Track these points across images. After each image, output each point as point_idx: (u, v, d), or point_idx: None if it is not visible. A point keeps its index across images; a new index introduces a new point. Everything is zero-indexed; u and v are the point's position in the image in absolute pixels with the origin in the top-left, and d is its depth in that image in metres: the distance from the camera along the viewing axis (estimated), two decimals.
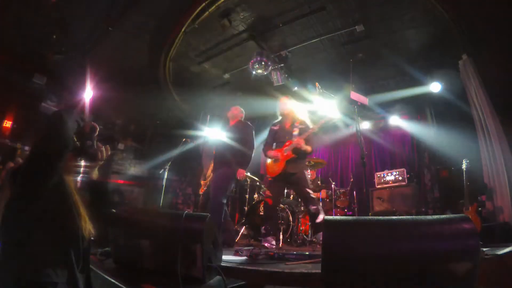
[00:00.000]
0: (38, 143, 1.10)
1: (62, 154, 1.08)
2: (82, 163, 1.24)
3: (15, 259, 1.01)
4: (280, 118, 3.67)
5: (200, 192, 4.63)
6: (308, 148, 3.32)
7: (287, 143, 3.39)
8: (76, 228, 1.18)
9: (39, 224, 1.07)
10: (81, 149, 1.16)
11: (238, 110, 4.00)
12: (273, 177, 3.39)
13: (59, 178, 1.13)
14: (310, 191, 3.31)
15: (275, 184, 3.43)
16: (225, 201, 3.47)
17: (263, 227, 3.47)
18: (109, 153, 1.30)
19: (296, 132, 3.43)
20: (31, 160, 1.10)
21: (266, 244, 3.25)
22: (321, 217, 3.16)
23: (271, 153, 3.45)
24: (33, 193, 1.06)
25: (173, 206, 7.69)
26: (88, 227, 1.21)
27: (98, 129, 1.22)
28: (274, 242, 3.35)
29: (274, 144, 3.52)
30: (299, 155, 3.33)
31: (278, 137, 3.52)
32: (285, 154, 3.34)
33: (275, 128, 3.61)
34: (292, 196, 4.90)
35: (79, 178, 1.26)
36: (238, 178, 3.53)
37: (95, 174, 1.30)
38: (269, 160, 3.50)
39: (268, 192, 3.45)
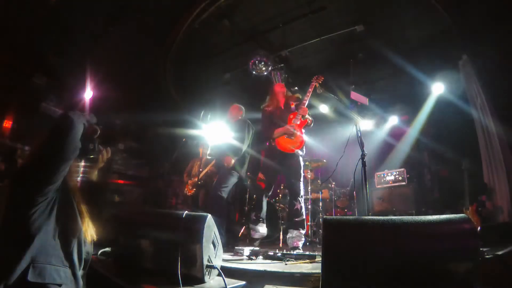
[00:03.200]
0: (45, 145, 1.10)
1: (70, 158, 1.09)
2: (82, 163, 1.24)
3: (19, 260, 1.01)
4: (270, 100, 3.51)
5: (189, 194, 4.56)
6: (310, 118, 3.28)
7: (291, 116, 3.24)
8: (78, 230, 1.18)
9: (42, 225, 1.07)
10: (83, 152, 1.17)
11: (237, 109, 4.00)
12: (299, 149, 3.19)
13: (63, 180, 1.13)
14: (301, 188, 3.22)
15: (270, 168, 3.28)
16: (225, 195, 3.49)
17: (253, 214, 3.32)
18: (110, 155, 1.30)
19: (293, 106, 3.36)
20: (37, 162, 1.10)
21: (252, 233, 3.18)
22: (302, 217, 3.12)
23: (281, 129, 3.18)
24: (37, 194, 1.06)
25: (173, 206, 7.69)
26: (90, 230, 1.22)
27: (99, 131, 1.22)
28: (263, 230, 3.25)
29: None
30: (308, 122, 3.26)
31: (279, 117, 3.32)
32: (297, 123, 3.16)
33: (270, 109, 3.43)
34: (280, 195, 4.90)
35: (79, 179, 1.26)
36: (225, 164, 3.51)
37: (94, 176, 1.30)
38: (278, 139, 3.25)
39: (261, 175, 3.30)
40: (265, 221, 3.37)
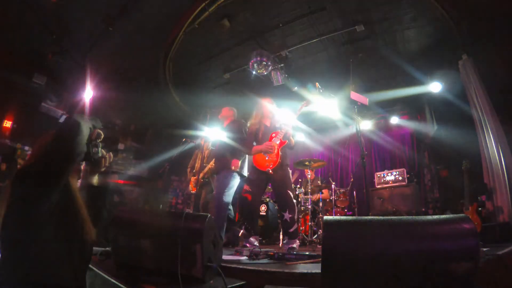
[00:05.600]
0: (50, 148, 1.10)
1: (74, 161, 1.09)
2: (84, 166, 1.25)
3: (19, 261, 1.01)
4: (257, 118, 3.48)
5: (193, 191, 4.52)
6: (293, 140, 3.27)
7: (273, 134, 3.26)
8: (80, 232, 1.18)
9: (44, 226, 1.07)
10: (86, 155, 1.17)
11: (227, 110, 4.00)
12: (271, 169, 3.17)
13: (66, 183, 1.14)
14: (292, 195, 3.11)
15: (258, 179, 3.22)
16: (229, 200, 3.46)
17: (243, 227, 3.20)
18: (112, 160, 1.31)
19: (278, 125, 3.34)
20: (41, 164, 1.10)
21: (248, 245, 3.06)
22: (295, 226, 3.05)
23: (259, 147, 3.22)
24: (39, 196, 1.06)
25: (173, 206, 7.70)
26: (91, 231, 1.22)
27: (103, 135, 1.22)
28: (256, 243, 3.17)
29: (254, 143, 3.34)
30: (288, 142, 3.25)
31: (262, 134, 3.34)
32: (277, 142, 3.18)
33: (256, 127, 3.41)
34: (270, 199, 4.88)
35: (80, 182, 1.27)
36: (233, 168, 3.46)
37: (95, 179, 1.31)
38: (257, 155, 3.28)
39: (246, 187, 3.21)
40: (256, 231, 3.25)
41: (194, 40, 5.02)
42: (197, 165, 4.42)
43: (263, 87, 5.84)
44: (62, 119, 5.67)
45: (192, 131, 5.08)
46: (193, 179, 4.51)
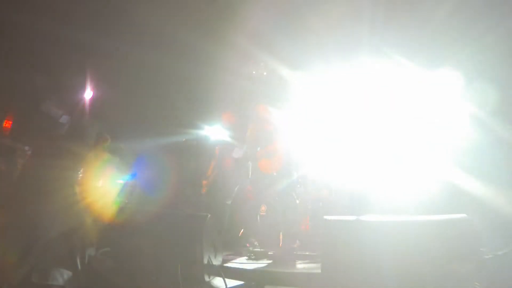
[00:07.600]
0: (56, 151, 1.11)
1: (80, 165, 1.10)
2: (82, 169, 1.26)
3: (22, 261, 1.01)
4: (257, 123, 3.46)
5: (203, 192, 4.51)
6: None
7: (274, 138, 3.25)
8: (81, 234, 1.19)
9: (46, 228, 1.07)
10: (91, 158, 1.19)
11: (229, 115, 4.02)
12: (275, 171, 3.14)
13: (68, 185, 1.15)
14: (295, 196, 3.12)
15: (262, 181, 3.18)
16: (229, 202, 3.49)
17: (240, 233, 3.19)
18: (116, 162, 1.33)
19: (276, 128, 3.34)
20: (46, 166, 1.11)
21: (248, 245, 3.05)
22: (296, 226, 3.05)
23: (261, 151, 3.21)
24: (41, 198, 1.06)
25: (173, 206, 7.66)
26: (91, 234, 1.23)
27: (109, 140, 1.25)
28: (256, 243, 3.12)
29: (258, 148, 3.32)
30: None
31: (265, 138, 3.32)
32: (278, 146, 3.18)
33: (256, 132, 3.40)
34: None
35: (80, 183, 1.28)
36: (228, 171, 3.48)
37: (97, 180, 1.32)
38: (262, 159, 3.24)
39: (250, 188, 3.21)
40: (256, 231, 3.23)
41: (194, 39, 5.00)
42: (209, 170, 4.38)
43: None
44: (62, 119, 5.66)
45: (192, 130, 5.08)
46: (204, 182, 4.48)
